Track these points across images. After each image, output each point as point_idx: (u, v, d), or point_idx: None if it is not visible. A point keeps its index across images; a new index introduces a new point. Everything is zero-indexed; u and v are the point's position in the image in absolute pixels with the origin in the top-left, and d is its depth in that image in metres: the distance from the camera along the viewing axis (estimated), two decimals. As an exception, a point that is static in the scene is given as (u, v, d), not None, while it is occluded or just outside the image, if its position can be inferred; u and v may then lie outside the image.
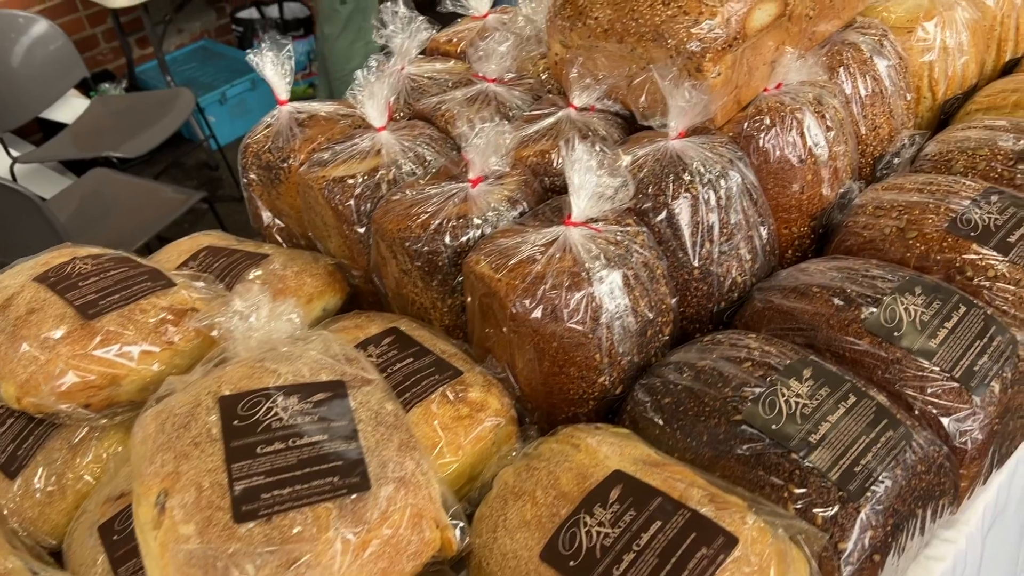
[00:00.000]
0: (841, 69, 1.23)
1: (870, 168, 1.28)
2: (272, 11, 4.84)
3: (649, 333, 0.97)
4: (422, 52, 1.47)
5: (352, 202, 1.14)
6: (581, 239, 0.93)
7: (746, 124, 1.11)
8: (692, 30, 1.04)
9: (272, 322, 0.88)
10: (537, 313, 0.90)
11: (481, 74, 1.29)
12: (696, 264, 1.02)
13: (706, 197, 1.01)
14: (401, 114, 1.34)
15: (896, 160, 1.27)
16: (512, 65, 1.30)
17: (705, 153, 1.03)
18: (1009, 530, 1.06)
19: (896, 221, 1.06)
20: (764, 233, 1.07)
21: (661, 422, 0.89)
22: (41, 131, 3.96)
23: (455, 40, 1.52)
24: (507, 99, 1.29)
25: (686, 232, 1.01)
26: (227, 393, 0.77)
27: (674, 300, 1.00)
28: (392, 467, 0.75)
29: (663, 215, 1.01)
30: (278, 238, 1.32)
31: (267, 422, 0.75)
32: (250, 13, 5.12)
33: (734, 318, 1.06)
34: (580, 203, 0.94)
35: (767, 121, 1.11)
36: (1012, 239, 0.99)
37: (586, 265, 0.91)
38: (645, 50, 1.09)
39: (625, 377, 0.96)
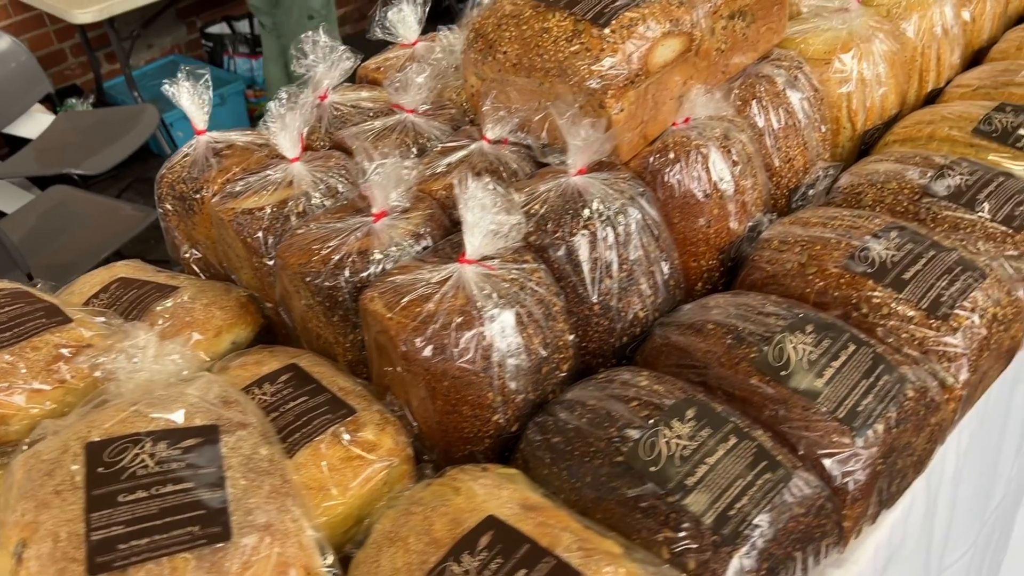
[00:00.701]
0: (754, 102, 1.23)
1: (785, 200, 1.28)
2: (243, 26, 4.84)
3: (545, 370, 0.97)
4: (350, 79, 1.47)
5: (260, 234, 1.13)
6: (475, 277, 0.93)
7: (652, 159, 1.12)
8: (593, 67, 1.04)
9: (158, 362, 0.87)
10: (427, 352, 0.90)
11: (399, 105, 1.29)
12: (596, 300, 1.02)
13: (604, 234, 1.01)
14: (323, 143, 1.34)
15: (811, 192, 1.28)
16: (430, 96, 1.30)
17: (606, 190, 1.03)
18: (911, 566, 1.06)
19: (798, 256, 1.07)
20: (666, 268, 1.07)
21: (549, 462, 0.89)
22: (8, 146, 3.94)
23: (383, 68, 1.52)
24: (425, 130, 1.29)
25: (585, 268, 1.01)
26: (95, 439, 0.76)
27: (572, 336, 1.00)
28: (258, 515, 0.74)
29: (562, 251, 1.01)
30: (196, 268, 1.31)
31: (132, 469, 0.74)
32: (220, 28, 5.12)
33: (636, 353, 1.06)
34: (474, 241, 0.94)
35: (672, 156, 1.11)
36: (906, 276, 1.00)
37: (478, 304, 0.91)
38: (552, 85, 1.09)
39: (521, 415, 0.96)
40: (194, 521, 0.72)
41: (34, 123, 3.69)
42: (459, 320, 0.90)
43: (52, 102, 3.98)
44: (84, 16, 3.65)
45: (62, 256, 2.88)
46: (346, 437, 0.92)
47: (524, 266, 0.97)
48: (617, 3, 1.08)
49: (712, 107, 1.14)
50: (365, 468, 0.91)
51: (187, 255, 1.31)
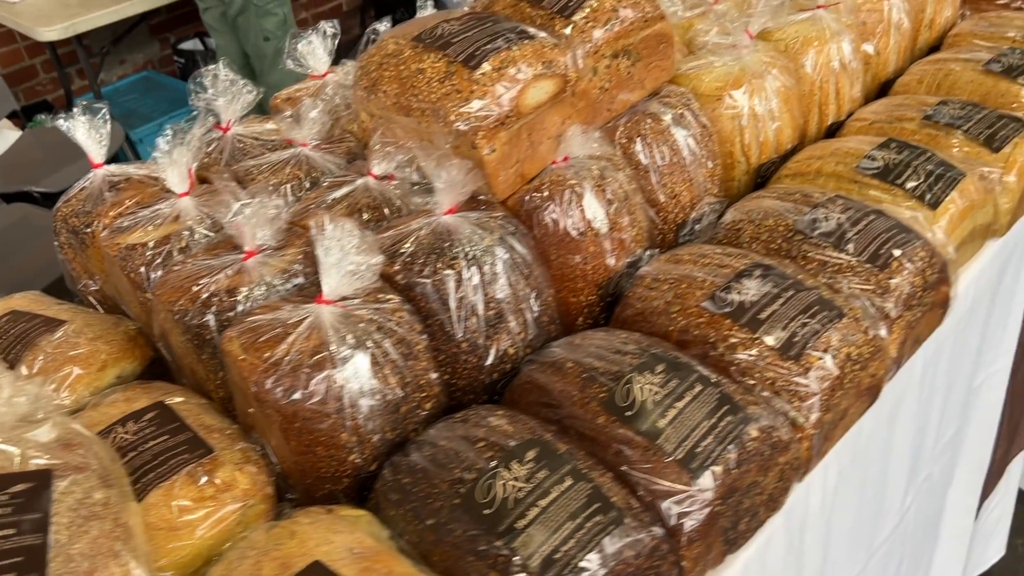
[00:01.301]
0: (639, 139, 1.25)
1: (673, 234, 1.30)
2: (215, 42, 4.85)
3: (404, 410, 0.98)
4: (257, 111, 1.48)
5: (143, 269, 1.14)
6: (331, 318, 0.95)
7: (528, 198, 1.14)
8: (462, 109, 1.06)
9: (9, 403, 0.88)
10: (278, 394, 0.91)
11: (292, 139, 1.31)
12: (462, 338, 1.03)
13: (469, 274, 1.02)
14: (225, 176, 1.35)
15: (697, 226, 1.30)
16: (324, 129, 1.31)
17: (475, 229, 1.05)
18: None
19: (665, 294, 1.09)
20: (536, 306, 1.09)
21: (397, 502, 0.91)
22: (-23, 164, 3.93)
23: (294, 99, 1.54)
24: (319, 163, 1.30)
25: (452, 306, 1.03)
26: (-75, 485, 0.77)
27: (435, 375, 1.01)
28: (81, 561, 0.75)
29: (429, 290, 1.02)
30: (92, 301, 1.32)
31: (-44, 516, 0.75)
32: (193, 44, 5.13)
33: (506, 390, 1.07)
34: (331, 282, 0.95)
35: (547, 195, 1.13)
36: (763, 316, 1.01)
37: (331, 345, 0.92)
38: (428, 125, 1.11)
39: (379, 454, 0.97)
40: (12, 568, 0.72)
41: (1, 139, 3.70)
42: (311, 362, 0.92)
43: (21, 118, 3.99)
44: (50, 34, 3.67)
45: (13, 275, 2.88)
46: (202, 478, 0.93)
47: (385, 305, 0.98)
48: (488, 46, 1.10)
49: (590, 146, 1.16)
50: (218, 509, 0.92)
51: (83, 288, 1.32)
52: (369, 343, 0.94)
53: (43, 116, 4.46)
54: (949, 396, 1.46)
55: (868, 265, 1.10)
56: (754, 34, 1.38)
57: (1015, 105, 1.43)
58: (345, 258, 0.95)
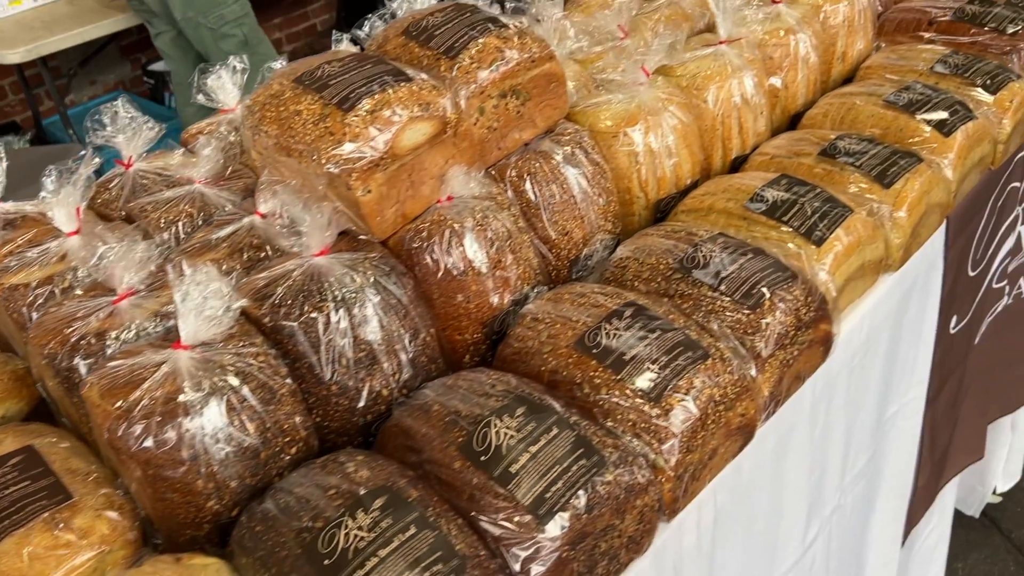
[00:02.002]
0: (529, 178, 1.26)
1: (567, 269, 1.31)
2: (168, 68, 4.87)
3: (264, 456, 0.98)
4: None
5: (25, 310, 1.14)
6: (188, 364, 0.95)
7: (408, 237, 1.14)
8: (334, 151, 1.07)
9: None
10: (130, 441, 0.91)
11: (186, 177, 1.31)
12: (332, 380, 1.04)
13: (337, 317, 1.03)
14: (123, 214, 1.36)
15: (590, 262, 1.31)
16: (217, 167, 1.32)
17: (347, 271, 1.05)
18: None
19: (541, 334, 1.09)
20: (413, 346, 1.09)
21: (249, 550, 0.90)
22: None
23: (205, 133, 1.54)
24: (214, 200, 1.31)
25: (320, 349, 1.03)
26: None
27: (301, 419, 1.01)
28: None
29: (296, 332, 1.02)
30: (-14, 338, 1.32)
31: None
32: (163, 65, 5.14)
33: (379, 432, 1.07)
34: (188, 327, 0.95)
35: (427, 235, 1.13)
36: (627, 357, 1.02)
37: (186, 393, 0.92)
38: (307, 166, 1.11)
39: (240, 500, 0.97)
40: None
41: (-34, 161, 3.68)
42: (164, 409, 0.92)
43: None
44: (13, 56, 3.66)
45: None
46: (58, 525, 0.93)
47: (247, 349, 0.99)
48: (364, 88, 1.11)
49: (471, 187, 1.17)
50: (72, 557, 0.91)
51: (-24, 325, 1.32)
52: (226, 389, 0.95)
53: (11, 137, 4.46)
54: (853, 428, 1.47)
55: (740, 304, 1.11)
56: (650, 71, 1.39)
57: (914, 140, 1.44)
58: (204, 303, 0.95)
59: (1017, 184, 1.76)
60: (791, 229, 1.25)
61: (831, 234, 1.24)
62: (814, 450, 1.34)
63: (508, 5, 1.72)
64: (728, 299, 1.11)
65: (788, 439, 1.25)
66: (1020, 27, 1.66)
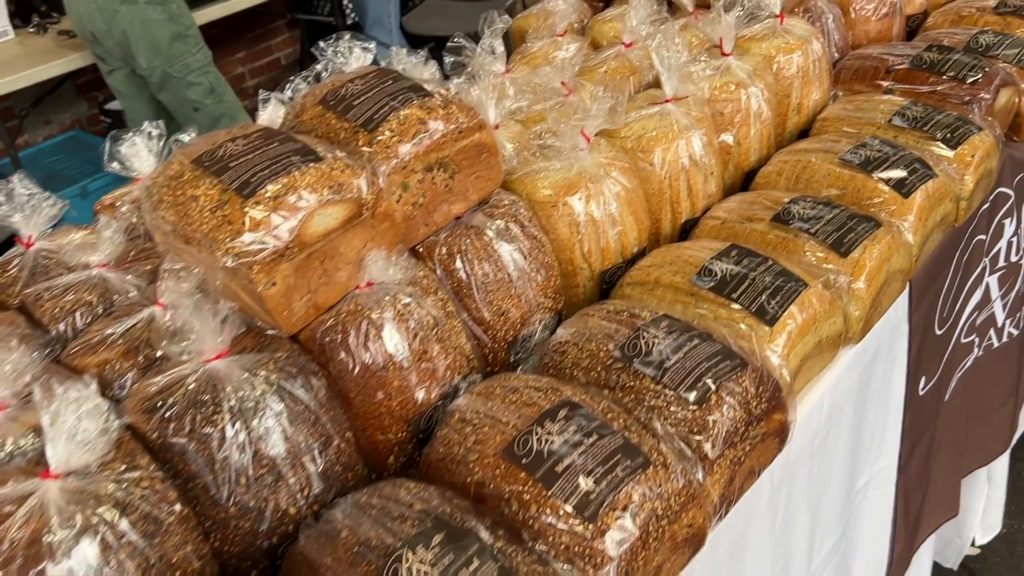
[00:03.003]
0: (459, 256, 1.17)
1: (505, 351, 1.21)
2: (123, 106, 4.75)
3: (149, 593, 0.87)
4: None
5: None
6: (58, 496, 0.83)
7: (321, 331, 1.04)
8: (233, 243, 0.97)
9: None
10: (-13, 590, 0.80)
11: (84, 262, 1.20)
12: (231, 501, 0.93)
13: (234, 431, 0.92)
14: (16, 302, 1.24)
15: (530, 343, 1.21)
16: (119, 250, 1.21)
17: (247, 376, 0.95)
18: None
19: (468, 438, 0.99)
20: (324, 457, 0.98)
21: None
22: None
23: (119, 203, 1.44)
24: (116, 286, 1.20)
25: (216, 467, 0.92)
26: None
27: (192, 547, 0.90)
28: None
29: (188, 450, 0.92)
30: None
31: None
32: (119, 104, 5.02)
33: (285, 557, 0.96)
34: (58, 453, 0.84)
35: (341, 328, 1.03)
36: (559, 468, 0.92)
37: (52, 532, 0.81)
38: (207, 256, 1.01)
39: (121, 646, 0.86)
40: None
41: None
42: (27, 553, 0.80)
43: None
44: (-42, 99, 3.54)
45: None
46: None
47: (129, 475, 0.88)
48: (267, 171, 1.01)
49: (393, 271, 1.07)
50: None
51: None
52: (101, 525, 0.83)
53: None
54: (819, 510, 1.37)
55: (686, 399, 1.01)
56: (591, 135, 1.30)
57: (872, 201, 1.37)
58: (78, 424, 0.84)
59: (983, 236, 1.69)
60: (741, 307, 1.16)
61: (784, 312, 1.15)
62: (776, 542, 1.24)
63: (448, 59, 1.64)
64: (672, 392, 1.01)
65: (744, 538, 1.15)
66: (980, 76, 1.59)
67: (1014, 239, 1.82)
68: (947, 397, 1.79)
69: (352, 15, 5.16)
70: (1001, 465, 2.20)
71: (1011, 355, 2.00)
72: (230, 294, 1.03)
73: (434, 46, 5.90)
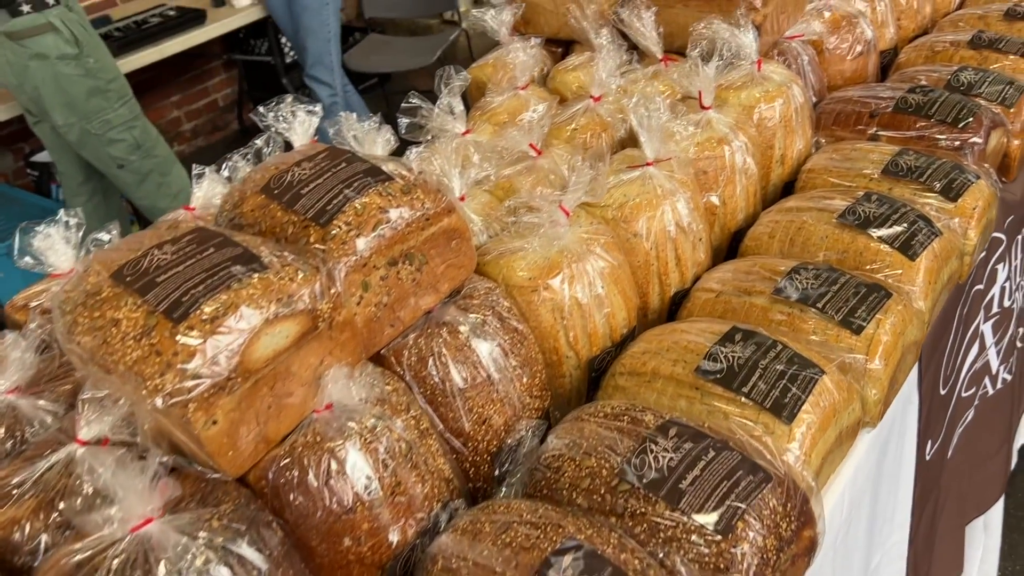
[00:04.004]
0: (431, 360, 1.02)
1: (488, 464, 1.06)
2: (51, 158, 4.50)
3: None
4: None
5: None
6: None
7: (273, 471, 0.88)
8: (163, 378, 0.80)
9: None
10: None
11: (-11, 389, 1.02)
12: None
13: (174, 612, 0.75)
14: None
15: (519, 453, 1.06)
16: (28, 373, 1.03)
17: (185, 541, 0.78)
18: None
19: (456, 593, 0.83)
20: (284, 628, 0.82)
21: None
22: None
23: (32, 304, 1.25)
24: (28, 414, 1.02)
25: (152, 660, 0.75)
26: None
27: None
28: None
29: (117, 642, 0.74)
30: None
31: None
32: (46, 156, 4.76)
33: None
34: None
35: (297, 464, 0.87)
36: (571, 635, 0.77)
37: None
38: (133, 391, 0.84)
39: None
40: None
41: None
42: None
43: None
44: None
45: None
46: None
47: None
48: (200, 287, 0.84)
49: (356, 389, 0.92)
50: None
51: None
52: None
53: None
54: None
55: (707, 529, 0.87)
56: (570, 210, 1.17)
57: (873, 265, 1.25)
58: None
59: (980, 286, 1.60)
60: (754, 403, 1.03)
61: (802, 406, 1.02)
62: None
63: (403, 121, 1.49)
64: (690, 521, 0.87)
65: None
66: (970, 118, 1.50)
67: (1007, 284, 1.74)
68: (950, 454, 1.69)
69: (291, 54, 4.99)
70: (996, 512, 2.11)
71: (1005, 401, 1.92)
72: (163, 433, 0.86)
73: (377, 82, 5.77)
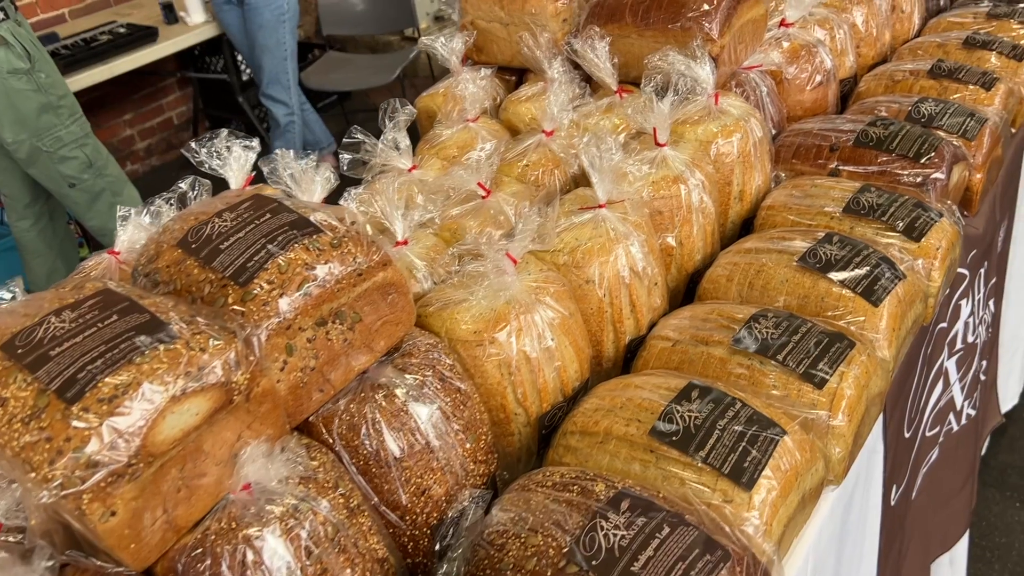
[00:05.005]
0: (364, 427, 0.94)
1: (427, 539, 0.98)
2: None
3: None
4: None
5: None
6: None
7: (182, 562, 0.79)
8: (54, 467, 0.72)
9: None
10: None
11: None
12: None
13: None
14: None
15: (459, 525, 0.98)
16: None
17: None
18: None
19: None
20: None
21: None
22: None
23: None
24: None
25: None
26: None
27: None
28: None
29: None
30: None
31: None
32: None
33: None
34: None
35: (210, 554, 0.79)
36: None
37: None
38: (21, 480, 0.75)
39: None
40: None
41: None
42: None
43: None
44: None
45: None
46: None
47: None
48: (98, 362, 0.76)
49: (275, 468, 0.83)
50: None
51: None
52: None
53: None
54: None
55: (662, 617, 0.80)
56: (518, 258, 1.10)
57: (836, 311, 1.20)
58: None
59: (944, 324, 1.56)
60: (711, 468, 0.96)
61: (762, 471, 0.96)
62: None
63: (345, 157, 1.42)
64: (643, 611, 0.80)
65: None
66: (932, 153, 1.46)
67: (970, 319, 1.71)
68: (914, 495, 1.64)
69: (247, 72, 4.88)
70: (962, 546, 2.08)
71: (969, 436, 1.88)
72: (57, 523, 0.77)
73: (336, 100, 5.67)
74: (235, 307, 0.87)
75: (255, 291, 0.87)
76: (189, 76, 5.33)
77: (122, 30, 4.33)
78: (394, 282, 0.98)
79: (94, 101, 4.93)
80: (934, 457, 1.69)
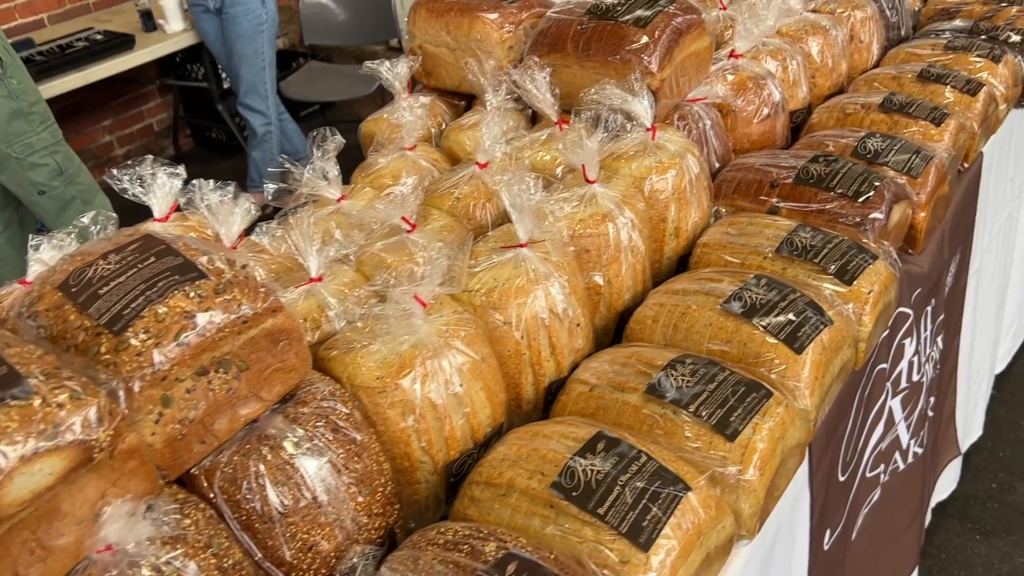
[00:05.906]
0: (246, 482, 0.91)
1: (316, 595, 0.95)
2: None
3: None
4: None
5: None
6: None
7: (33, 629, 0.76)
8: None
9: None
10: None
11: None
12: None
13: None
14: None
15: (350, 582, 0.95)
16: None
17: None
18: None
19: None
20: None
21: None
22: None
23: None
24: None
25: None
26: None
27: None
28: None
29: None
30: None
31: None
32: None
33: None
34: None
35: (63, 623, 0.75)
36: None
37: None
38: None
39: None
40: None
41: None
42: None
43: None
44: None
45: None
46: None
47: None
48: (-58, 421, 0.73)
49: (141, 527, 0.80)
50: None
51: None
52: None
53: None
54: None
55: None
56: (427, 301, 1.07)
57: (760, 359, 1.17)
58: None
59: (884, 365, 1.53)
60: (609, 527, 0.93)
61: (661, 531, 0.93)
62: None
63: (269, 187, 1.39)
64: None
65: None
66: (871, 192, 1.44)
67: (915, 358, 1.68)
68: (854, 536, 1.61)
69: (227, 80, 4.85)
70: (914, 582, 2.05)
71: (917, 474, 1.85)
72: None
73: (318, 110, 5.64)
74: (107, 356, 0.84)
75: (129, 341, 0.84)
76: (169, 83, 5.30)
77: (99, 37, 4.31)
78: (285, 328, 0.95)
79: (73, 106, 4.90)
80: (876, 497, 1.66)
